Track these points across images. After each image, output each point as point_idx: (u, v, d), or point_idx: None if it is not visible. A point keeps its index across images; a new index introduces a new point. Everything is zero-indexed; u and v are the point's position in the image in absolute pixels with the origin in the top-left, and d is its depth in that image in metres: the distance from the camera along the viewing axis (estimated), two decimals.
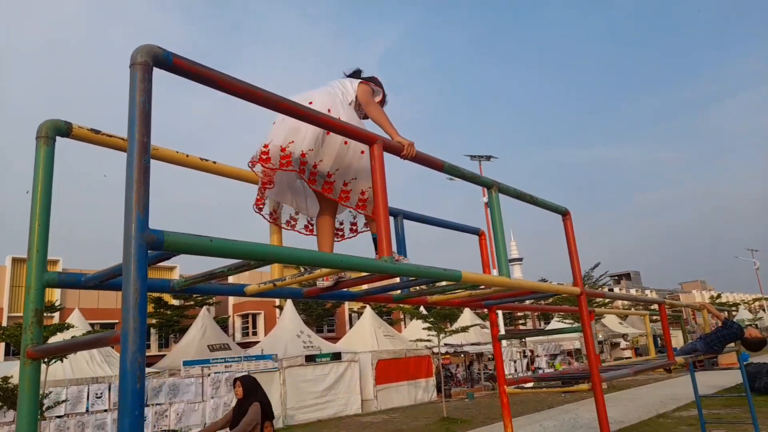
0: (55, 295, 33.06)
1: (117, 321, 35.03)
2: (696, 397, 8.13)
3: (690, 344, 7.30)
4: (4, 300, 31.64)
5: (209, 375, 12.36)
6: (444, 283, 3.08)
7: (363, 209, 2.75)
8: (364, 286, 2.71)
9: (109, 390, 10.41)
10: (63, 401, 8.82)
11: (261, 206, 2.76)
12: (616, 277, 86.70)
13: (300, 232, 2.93)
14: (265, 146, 2.56)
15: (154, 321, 33.18)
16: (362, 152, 2.64)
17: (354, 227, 3.03)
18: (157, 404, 10.97)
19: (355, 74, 3.11)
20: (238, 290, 2.44)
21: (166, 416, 10.93)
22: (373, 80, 3.12)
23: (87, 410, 10.07)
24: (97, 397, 10.02)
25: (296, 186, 2.81)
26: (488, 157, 26.69)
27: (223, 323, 39.62)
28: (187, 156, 2.36)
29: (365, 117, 2.92)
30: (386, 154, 2.32)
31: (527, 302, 4.09)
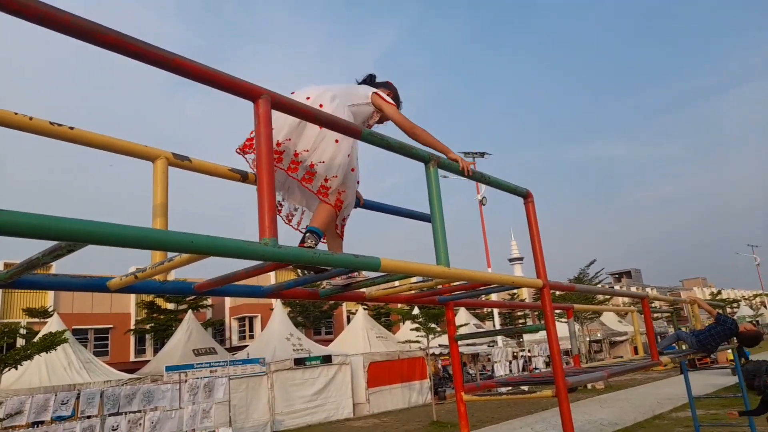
0: (48, 300, 32.65)
1: (111, 326, 34.67)
2: (690, 398, 7.69)
3: (673, 335, 6.86)
4: None
5: (186, 381, 11.90)
6: (375, 275, 2.65)
7: (324, 196, 2.60)
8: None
9: (77, 398, 9.95)
10: (16, 413, 8.37)
11: (280, 209, 2.76)
12: (617, 275, 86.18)
13: (294, 228, 2.85)
14: (252, 134, 2.53)
15: (148, 326, 32.66)
16: (336, 140, 2.56)
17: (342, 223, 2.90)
18: (130, 412, 10.51)
19: (368, 79, 3.08)
20: (100, 284, 2.00)
21: (140, 424, 10.47)
22: (386, 85, 3.09)
23: (53, 420, 9.65)
24: (62, 404, 9.56)
25: (288, 182, 2.76)
26: (482, 154, 26.23)
27: (219, 326, 39.22)
28: (31, 119, 1.92)
29: (380, 122, 2.98)
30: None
31: (484, 298, 3.68)
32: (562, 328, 30.32)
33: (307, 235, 2.50)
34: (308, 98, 2.63)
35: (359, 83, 3.06)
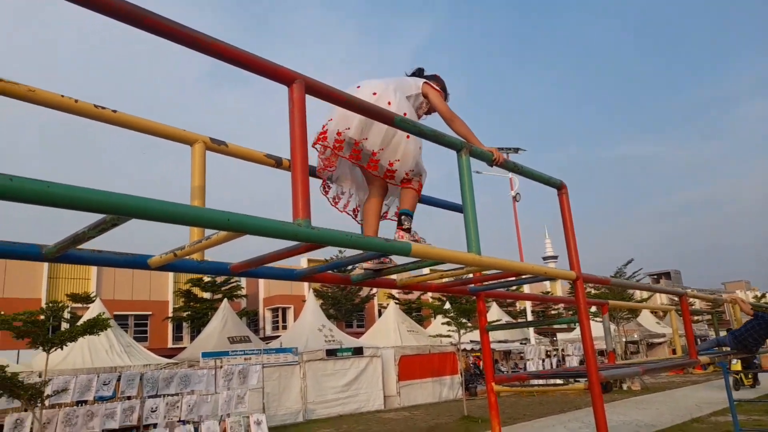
0: (91, 286, 33.77)
1: (150, 313, 35.70)
2: (730, 401, 7.45)
3: (713, 339, 6.64)
4: (43, 291, 32.41)
5: (221, 367, 12.17)
6: (406, 261, 2.67)
7: (408, 184, 2.82)
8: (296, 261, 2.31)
9: (118, 380, 10.31)
10: (62, 390, 8.71)
11: (327, 190, 2.90)
12: (655, 276, 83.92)
13: (349, 214, 3.01)
14: (324, 127, 2.73)
15: (185, 314, 33.49)
16: (408, 136, 2.70)
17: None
18: (168, 395, 10.83)
19: (417, 72, 3.17)
20: (142, 261, 2.07)
21: (177, 407, 10.77)
22: (434, 78, 3.16)
23: (96, 400, 10.01)
24: (104, 384, 9.91)
25: (354, 172, 2.91)
26: (516, 149, 25.86)
27: (253, 316, 39.94)
28: (76, 101, 2.00)
29: (428, 113, 3.08)
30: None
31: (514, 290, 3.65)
32: (596, 327, 29.82)
33: (403, 218, 2.77)
34: (375, 93, 2.75)
35: (409, 75, 3.16)
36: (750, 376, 16.85)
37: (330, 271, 2.66)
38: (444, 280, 3.31)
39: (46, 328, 7.57)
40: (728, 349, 6.46)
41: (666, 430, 10.93)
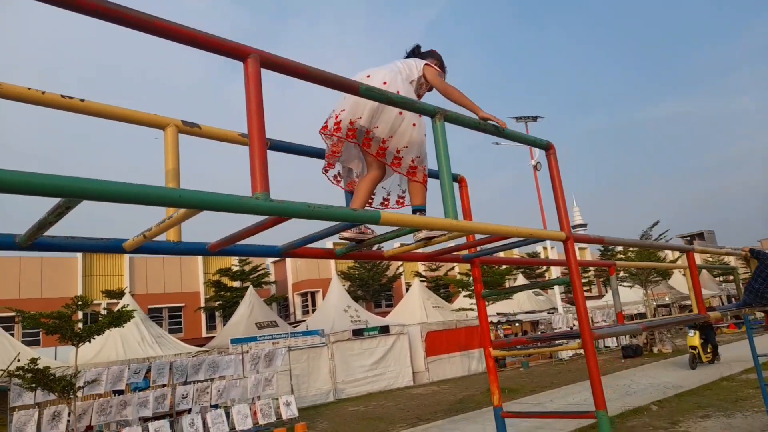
0: (124, 282, 34.61)
1: (182, 304, 36.54)
2: (754, 355, 7.32)
3: (736, 304, 6.46)
4: (78, 289, 33.40)
5: (248, 352, 12.44)
6: (386, 230, 2.68)
7: (414, 175, 2.90)
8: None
9: (149, 370, 10.63)
10: (93, 381, 9.03)
11: (328, 169, 3.01)
12: (688, 237, 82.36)
13: (343, 188, 3.11)
14: (337, 117, 2.82)
15: (216, 304, 34.21)
16: (414, 124, 2.83)
17: (401, 200, 3.15)
18: (198, 381, 11.13)
19: (416, 50, 3.28)
20: (116, 246, 2.13)
21: (207, 392, 11.07)
22: (432, 54, 3.28)
23: (133, 389, 10.39)
24: (135, 374, 10.24)
25: (359, 154, 3.01)
26: (534, 118, 25.43)
27: (283, 302, 40.59)
28: (43, 93, 2.05)
29: (429, 90, 3.17)
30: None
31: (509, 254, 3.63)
32: (626, 293, 29.42)
33: (418, 214, 2.88)
34: (385, 83, 2.86)
35: (407, 55, 3.28)
36: (709, 351, 14.65)
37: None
38: (437, 248, 3.32)
39: (73, 324, 7.84)
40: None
41: (695, 389, 10.83)
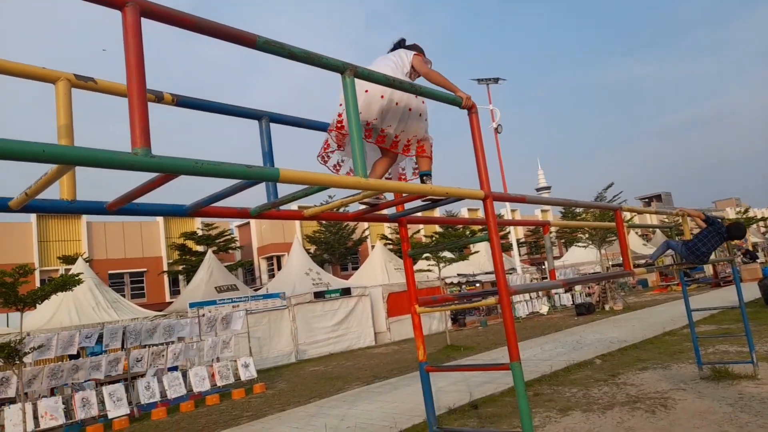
0: (82, 247, 33.84)
1: (145, 269, 36.02)
2: (687, 311, 7.68)
3: (663, 243, 6.73)
4: (34, 255, 32.52)
5: (203, 315, 12.41)
6: (296, 189, 2.66)
7: (423, 152, 3.28)
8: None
9: (101, 334, 10.52)
10: (39, 346, 8.91)
11: (326, 160, 3.24)
12: (646, 199, 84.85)
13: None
14: (339, 115, 3.06)
15: (180, 268, 33.83)
16: (420, 114, 3.18)
17: (416, 171, 3.47)
18: (153, 345, 11.09)
19: (401, 42, 3.56)
20: (2, 204, 2.06)
21: (163, 356, 11.05)
22: (415, 47, 3.52)
23: (89, 354, 10.29)
24: (86, 338, 10.14)
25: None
26: (496, 80, 25.40)
27: (249, 266, 40.41)
28: None
29: (418, 76, 3.40)
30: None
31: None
32: (582, 253, 30.10)
33: (425, 177, 3.28)
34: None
35: (392, 48, 3.56)
36: None
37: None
38: (361, 207, 3.32)
39: (15, 289, 7.64)
40: (678, 257, 6.58)
41: (638, 343, 11.33)
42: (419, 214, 3.69)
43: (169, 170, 1.83)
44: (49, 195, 2.25)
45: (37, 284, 26.57)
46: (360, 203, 3.20)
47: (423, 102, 3.21)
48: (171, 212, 2.58)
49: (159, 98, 2.63)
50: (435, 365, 3.49)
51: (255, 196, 3.02)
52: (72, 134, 2.32)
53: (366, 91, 3.04)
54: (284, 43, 2.32)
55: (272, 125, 3.05)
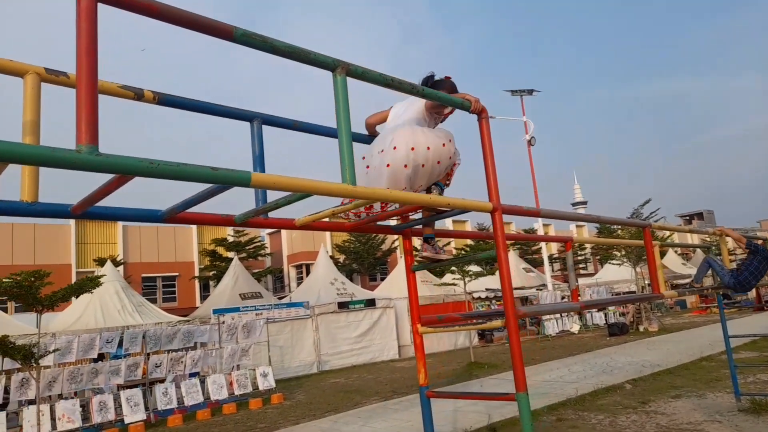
0: (118, 249, 34.60)
1: (177, 274, 36.57)
2: (725, 336, 7.17)
3: (702, 265, 6.30)
4: (71, 256, 33.36)
5: (224, 322, 12.36)
6: (280, 195, 2.45)
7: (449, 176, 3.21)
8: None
9: (121, 337, 10.54)
10: (55, 350, 8.94)
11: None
12: (687, 217, 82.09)
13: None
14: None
15: (211, 273, 34.21)
16: (449, 157, 3.02)
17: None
18: (172, 350, 11.06)
19: (429, 79, 3.23)
20: None
21: (182, 362, 11.01)
22: (443, 83, 3.24)
23: (112, 358, 10.32)
24: (107, 342, 10.16)
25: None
26: (530, 91, 24.90)
27: (278, 274, 40.61)
28: None
29: (443, 120, 3.24)
30: None
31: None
32: (616, 271, 29.08)
33: (432, 187, 3.11)
34: (395, 148, 2.88)
35: (422, 82, 3.21)
36: None
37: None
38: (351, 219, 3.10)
39: (35, 291, 7.70)
40: (718, 279, 6.15)
41: (672, 369, 10.73)
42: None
43: (116, 170, 1.64)
44: (7, 196, 2.11)
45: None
46: (353, 213, 2.96)
47: (449, 141, 3.00)
48: (143, 217, 2.41)
49: (139, 96, 2.47)
50: (440, 391, 3.22)
51: (254, 200, 2.83)
52: (38, 131, 2.17)
53: (387, 165, 2.85)
54: (266, 36, 2.12)
55: (272, 126, 2.88)
